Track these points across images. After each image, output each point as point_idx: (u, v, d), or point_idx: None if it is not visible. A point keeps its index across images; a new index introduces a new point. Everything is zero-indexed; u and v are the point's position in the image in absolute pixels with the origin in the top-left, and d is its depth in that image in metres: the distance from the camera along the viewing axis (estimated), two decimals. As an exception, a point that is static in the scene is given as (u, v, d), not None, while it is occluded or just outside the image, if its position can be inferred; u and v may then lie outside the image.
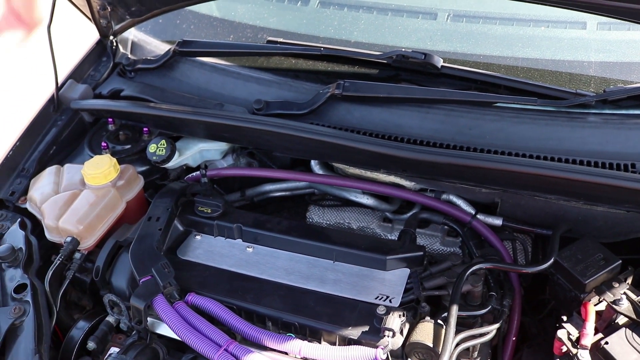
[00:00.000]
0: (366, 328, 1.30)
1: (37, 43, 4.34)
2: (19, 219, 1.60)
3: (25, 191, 1.70)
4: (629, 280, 1.33)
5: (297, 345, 1.27)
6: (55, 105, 1.83)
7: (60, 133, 1.82)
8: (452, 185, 1.53)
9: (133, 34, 1.96)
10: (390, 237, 1.68)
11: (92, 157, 1.70)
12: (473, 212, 1.56)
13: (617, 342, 1.20)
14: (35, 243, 1.56)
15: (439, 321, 1.30)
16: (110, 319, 1.47)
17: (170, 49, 1.79)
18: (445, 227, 1.62)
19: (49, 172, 1.68)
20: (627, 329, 1.22)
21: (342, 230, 1.70)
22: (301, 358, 1.28)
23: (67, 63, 1.92)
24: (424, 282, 1.38)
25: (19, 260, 1.50)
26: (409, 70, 1.56)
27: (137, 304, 1.33)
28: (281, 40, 1.70)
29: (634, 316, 1.23)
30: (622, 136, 1.40)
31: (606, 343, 1.20)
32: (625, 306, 1.25)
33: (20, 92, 3.60)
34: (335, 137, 1.47)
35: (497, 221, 1.56)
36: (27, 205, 1.66)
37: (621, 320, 1.25)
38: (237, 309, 1.38)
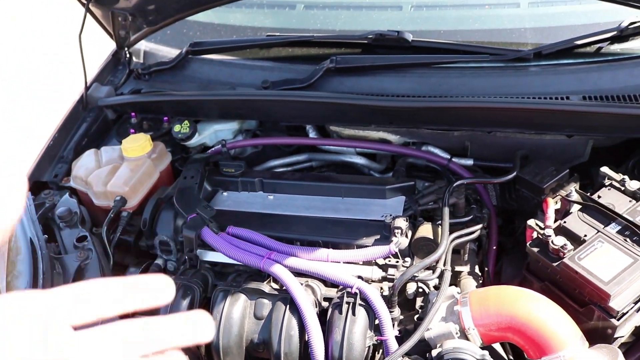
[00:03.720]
0: (377, 237, 1.61)
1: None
2: (67, 192, 1.86)
3: (66, 174, 1.96)
4: (576, 184, 1.70)
5: (324, 252, 1.57)
6: (84, 104, 2.12)
7: (90, 127, 2.11)
8: (430, 132, 1.89)
9: (144, 44, 2.29)
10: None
11: (120, 142, 2.00)
12: (448, 156, 1.92)
13: (572, 221, 1.54)
14: (85, 209, 1.82)
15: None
16: (158, 261, 1.72)
17: (182, 51, 2.12)
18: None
19: (88, 154, 1.95)
20: (579, 212, 1.57)
21: (345, 174, 2.02)
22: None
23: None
24: (419, 200, 1.71)
25: (74, 221, 1.75)
26: (386, 47, 1.94)
27: (189, 234, 1.60)
28: (278, 34, 2.07)
29: (581, 201, 1.59)
30: (556, 79, 1.80)
31: (565, 222, 1.55)
32: (575, 197, 1.62)
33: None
34: (333, 98, 1.81)
35: (469, 162, 1.92)
36: (71, 183, 1.92)
37: (574, 209, 1.61)
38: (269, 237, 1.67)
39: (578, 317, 1.43)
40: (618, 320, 1.39)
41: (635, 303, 1.41)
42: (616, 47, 1.83)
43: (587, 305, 1.44)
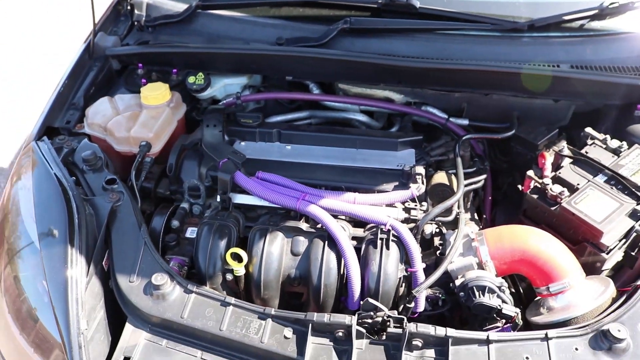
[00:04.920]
0: (396, 184, 1.77)
1: None
2: (85, 138, 1.87)
3: (79, 120, 1.97)
4: (564, 141, 1.93)
5: (352, 196, 1.70)
6: (90, 53, 2.11)
7: (97, 76, 2.10)
8: (432, 93, 2.06)
9: (147, -3, 2.29)
10: None
11: (131, 91, 2.03)
12: (446, 116, 2.09)
13: (566, 171, 1.77)
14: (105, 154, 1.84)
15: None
16: (184, 205, 1.79)
17: (191, 4, 2.15)
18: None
19: (102, 101, 1.96)
20: (570, 164, 1.80)
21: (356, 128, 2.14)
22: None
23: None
24: (430, 152, 1.88)
25: (99, 165, 1.77)
26: (394, 12, 2.08)
27: (223, 176, 1.68)
28: (291, -7, 2.15)
29: (572, 155, 1.81)
30: (546, 49, 2.01)
31: (560, 173, 1.77)
32: (566, 152, 1.84)
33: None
34: (349, 56, 1.94)
35: (464, 121, 2.10)
36: (86, 130, 1.92)
37: (565, 162, 1.83)
38: (295, 182, 1.77)
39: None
40: (607, 254, 1.63)
41: (620, 241, 1.65)
42: (597, 24, 2.06)
43: (580, 243, 1.67)
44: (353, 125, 2.19)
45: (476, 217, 1.88)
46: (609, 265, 1.71)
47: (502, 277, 1.60)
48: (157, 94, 1.90)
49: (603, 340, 1.36)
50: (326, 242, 1.57)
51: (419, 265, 1.56)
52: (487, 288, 1.50)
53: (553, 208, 1.70)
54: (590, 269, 1.67)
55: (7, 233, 1.68)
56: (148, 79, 2.10)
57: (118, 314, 1.51)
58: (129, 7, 2.25)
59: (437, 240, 1.69)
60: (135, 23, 2.23)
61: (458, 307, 1.61)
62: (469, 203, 1.88)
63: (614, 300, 1.52)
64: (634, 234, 1.63)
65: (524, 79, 1.91)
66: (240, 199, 1.73)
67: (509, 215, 1.93)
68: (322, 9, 2.12)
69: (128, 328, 1.47)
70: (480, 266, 1.59)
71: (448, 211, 1.71)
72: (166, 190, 1.84)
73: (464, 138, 1.85)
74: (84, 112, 1.96)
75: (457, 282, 1.55)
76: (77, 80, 2.05)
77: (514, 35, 2.04)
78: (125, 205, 1.65)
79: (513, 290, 1.71)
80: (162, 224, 1.73)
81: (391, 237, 1.56)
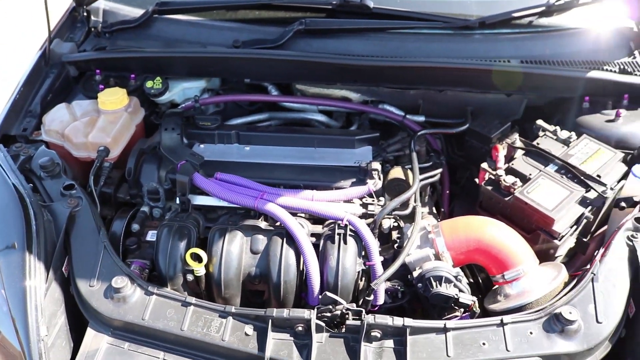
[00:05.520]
0: (354, 180, 1.80)
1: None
2: (42, 145, 1.86)
3: (36, 128, 1.95)
4: (517, 134, 1.98)
5: (310, 193, 1.72)
6: (46, 60, 2.10)
7: (53, 83, 2.09)
8: (388, 91, 2.10)
9: (103, 3, 2.28)
10: None
11: (88, 97, 2.02)
12: (403, 113, 2.13)
13: (518, 163, 1.82)
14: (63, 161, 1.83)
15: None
16: (144, 208, 1.79)
17: (148, 10, 2.16)
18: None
19: (59, 107, 1.95)
20: (522, 155, 1.85)
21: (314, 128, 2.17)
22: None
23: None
24: (386, 149, 1.91)
25: (57, 172, 1.75)
26: (349, 13, 2.11)
27: (182, 179, 1.69)
28: (246, -4, 2.17)
29: (524, 147, 1.87)
30: (497, 46, 2.07)
31: (512, 164, 1.82)
32: (518, 144, 1.89)
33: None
34: (306, 57, 1.96)
35: (421, 118, 2.14)
36: (43, 137, 1.91)
37: (517, 154, 1.89)
38: (253, 182, 1.79)
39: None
40: (559, 241, 1.69)
41: (571, 227, 1.71)
42: (544, 21, 2.13)
43: (533, 232, 1.72)
44: (313, 125, 2.22)
45: (434, 211, 1.92)
46: (562, 251, 1.76)
47: (460, 267, 1.64)
48: (114, 98, 1.89)
49: (556, 323, 1.41)
50: (284, 240, 1.59)
51: (377, 259, 1.59)
52: (443, 278, 1.54)
53: (507, 198, 1.75)
54: (545, 256, 1.72)
55: None
56: (106, 85, 2.09)
57: (79, 319, 1.51)
58: (85, 14, 2.24)
59: (395, 234, 1.72)
60: (92, 29, 2.23)
61: (418, 299, 1.65)
62: (427, 197, 1.92)
63: (566, 285, 1.57)
64: (585, 221, 1.68)
65: (476, 75, 1.97)
66: (199, 200, 1.74)
67: (467, 208, 1.98)
68: (278, 11, 2.15)
69: (90, 333, 1.47)
70: (437, 257, 1.63)
71: (405, 205, 1.75)
72: (126, 194, 1.84)
73: (419, 134, 1.89)
74: (41, 119, 1.95)
75: (415, 274, 1.58)
76: (33, 87, 2.04)
77: (466, 32, 2.10)
78: (84, 211, 1.65)
79: (471, 280, 1.75)
80: (122, 228, 1.73)
81: (348, 232, 1.58)
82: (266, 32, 2.10)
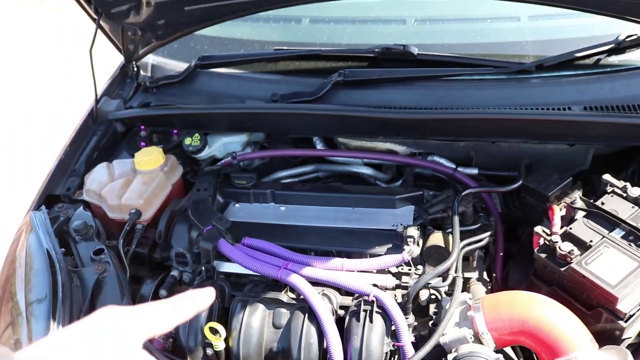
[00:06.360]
0: (390, 246, 1.66)
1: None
2: (81, 205, 1.89)
3: (79, 187, 1.99)
4: (579, 191, 1.76)
5: (339, 262, 1.61)
6: (94, 118, 2.15)
7: (100, 141, 2.14)
8: (436, 143, 1.94)
9: (152, 58, 2.32)
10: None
11: (131, 155, 2.03)
12: (454, 166, 1.97)
13: (578, 227, 1.60)
14: (99, 222, 1.84)
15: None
16: (174, 272, 1.75)
17: (191, 64, 2.16)
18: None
19: (100, 167, 1.98)
20: (583, 218, 1.63)
21: (354, 185, 2.06)
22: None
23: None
24: (428, 210, 1.76)
25: (90, 234, 1.77)
26: (392, 60, 2.00)
27: (206, 245, 1.64)
28: (285, 47, 2.12)
29: (586, 208, 1.65)
30: (557, 90, 1.87)
31: (570, 228, 1.60)
32: (579, 204, 1.67)
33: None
34: (342, 111, 1.87)
35: (474, 171, 1.97)
36: (84, 197, 1.94)
37: (578, 215, 1.67)
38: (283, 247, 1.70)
39: (586, 319, 1.48)
40: (625, 322, 1.45)
41: (641, 306, 1.47)
42: (614, 59, 1.90)
43: (594, 309, 1.50)
44: (361, 177, 2.11)
45: (485, 276, 1.74)
46: (631, 333, 1.51)
47: (504, 349, 1.46)
48: (149, 158, 1.89)
49: None
50: (306, 315, 1.48)
51: (407, 339, 1.44)
52: (480, 365, 1.36)
53: (563, 269, 1.54)
54: (609, 337, 1.49)
55: (13, 290, 1.71)
56: (149, 141, 2.11)
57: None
58: (134, 69, 2.28)
59: (432, 308, 1.56)
60: (141, 84, 2.26)
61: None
62: (475, 262, 1.74)
63: (632, 376, 1.34)
64: (658, 298, 1.44)
65: (531, 125, 1.78)
66: (226, 267, 1.68)
67: (523, 274, 1.77)
68: (318, 61, 2.07)
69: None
70: (477, 338, 1.45)
71: (445, 275, 1.59)
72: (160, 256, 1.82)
73: (462, 194, 1.72)
74: (84, 178, 1.99)
75: (450, 357, 1.42)
76: (79, 146, 2.09)
77: (521, 77, 1.91)
78: (111, 277, 1.64)
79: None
80: (150, 292, 1.70)
81: (375, 309, 1.45)
82: (305, 84, 2.02)
